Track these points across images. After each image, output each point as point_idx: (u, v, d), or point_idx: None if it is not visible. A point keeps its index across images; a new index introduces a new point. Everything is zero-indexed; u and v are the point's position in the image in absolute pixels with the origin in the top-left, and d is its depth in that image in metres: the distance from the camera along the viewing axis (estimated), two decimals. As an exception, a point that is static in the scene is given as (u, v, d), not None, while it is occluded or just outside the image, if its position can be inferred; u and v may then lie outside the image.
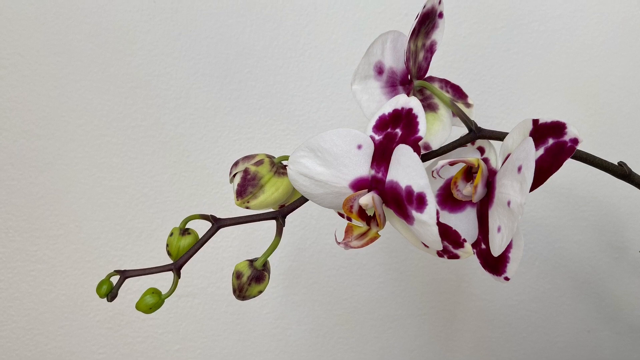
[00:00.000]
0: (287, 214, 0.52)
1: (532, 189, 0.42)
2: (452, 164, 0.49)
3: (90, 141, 0.86)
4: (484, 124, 0.55)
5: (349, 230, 0.48)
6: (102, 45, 0.84)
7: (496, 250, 0.45)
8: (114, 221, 0.88)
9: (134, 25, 0.84)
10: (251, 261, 0.50)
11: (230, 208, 0.85)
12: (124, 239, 0.89)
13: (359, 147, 0.46)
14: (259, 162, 0.53)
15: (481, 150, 0.53)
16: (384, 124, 0.48)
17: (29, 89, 0.84)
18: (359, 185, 0.46)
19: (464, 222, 0.51)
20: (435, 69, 0.57)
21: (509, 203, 0.43)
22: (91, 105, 0.85)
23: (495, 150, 0.52)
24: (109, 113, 0.86)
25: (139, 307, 0.47)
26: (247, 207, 0.53)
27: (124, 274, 0.47)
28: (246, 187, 0.52)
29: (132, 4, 0.84)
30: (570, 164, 0.45)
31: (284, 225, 0.51)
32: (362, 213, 0.46)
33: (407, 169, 0.43)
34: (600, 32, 0.88)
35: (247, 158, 0.54)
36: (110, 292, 0.47)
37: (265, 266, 0.51)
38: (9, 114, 0.85)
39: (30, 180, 0.86)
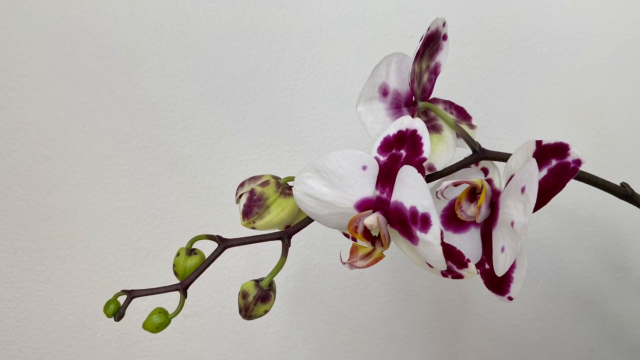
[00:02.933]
0: (293, 235, 0.52)
1: (535, 210, 0.42)
2: (456, 184, 0.49)
3: (98, 162, 0.87)
4: (487, 145, 0.55)
5: (354, 250, 0.48)
6: (109, 67, 0.85)
7: (500, 270, 0.45)
8: (121, 241, 0.89)
9: (141, 48, 0.85)
10: (257, 281, 0.50)
11: (236, 228, 0.84)
12: (131, 259, 0.89)
13: (364, 168, 0.47)
14: (265, 183, 0.54)
15: (485, 171, 0.54)
16: (388, 145, 0.48)
17: (36, 110, 0.85)
18: (364, 205, 0.47)
19: (468, 243, 0.52)
20: (439, 91, 0.58)
21: (512, 223, 0.43)
22: (98, 126, 0.86)
23: (499, 171, 0.53)
24: (116, 134, 0.86)
25: (145, 326, 0.48)
26: (253, 228, 0.53)
27: (131, 294, 0.48)
28: (252, 207, 0.53)
29: (139, 27, 0.85)
30: (573, 184, 0.45)
31: (290, 246, 0.51)
32: (367, 233, 0.46)
33: (411, 190, 0.43)
34: (603, 54, 0.88)
35: (253, 179, 0.55)
36: (117, 312, 0.47)
37: (271, 286, 0.51)
38: (17, 135, 0.85)
39: (38, 201, 0.87)
